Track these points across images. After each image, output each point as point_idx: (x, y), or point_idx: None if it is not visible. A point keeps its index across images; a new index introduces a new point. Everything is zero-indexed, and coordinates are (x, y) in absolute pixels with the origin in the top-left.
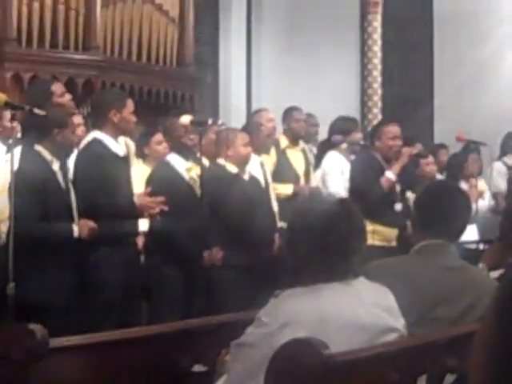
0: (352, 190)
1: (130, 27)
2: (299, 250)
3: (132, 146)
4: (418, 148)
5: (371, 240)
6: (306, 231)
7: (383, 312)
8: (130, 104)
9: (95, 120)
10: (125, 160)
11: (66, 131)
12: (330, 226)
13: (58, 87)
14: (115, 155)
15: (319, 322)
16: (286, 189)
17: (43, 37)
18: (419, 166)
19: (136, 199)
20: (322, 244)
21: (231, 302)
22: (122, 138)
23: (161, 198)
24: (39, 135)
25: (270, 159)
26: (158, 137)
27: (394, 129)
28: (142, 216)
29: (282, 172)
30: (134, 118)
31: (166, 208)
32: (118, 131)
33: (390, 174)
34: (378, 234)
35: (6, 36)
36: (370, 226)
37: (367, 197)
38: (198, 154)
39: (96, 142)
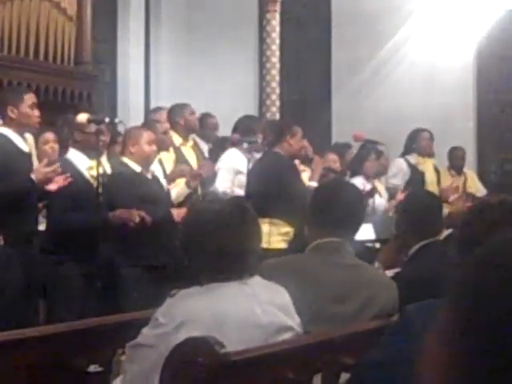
0: (253, 189)
1: (28, 25)
2: (194, 251)
3: (32, 141)
4: (317, 160)
5: (279, 243)
6: (199, 232)
7: (279, 311)
8: (28, 98)
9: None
10: (28, 156)
11: None
12: (224, 226)
13: None
14: (19, 150)
15: (215, 320)
16: (180, 184)
17: None
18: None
19: (33, 175)
20: (217, 245)
21: (136, 301)
22: (29, 135)
23: (56, 166)
24: None
25: (169, 157)
26: (45, 137)
27: (299, 130)
28: (43, 188)
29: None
30: (35, 112)
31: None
32: (19, 126)
33: (313, 184)
34: (284, 236)
35: None
36: (270, 228)
37: (269, 197)
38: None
39: (1, 137)
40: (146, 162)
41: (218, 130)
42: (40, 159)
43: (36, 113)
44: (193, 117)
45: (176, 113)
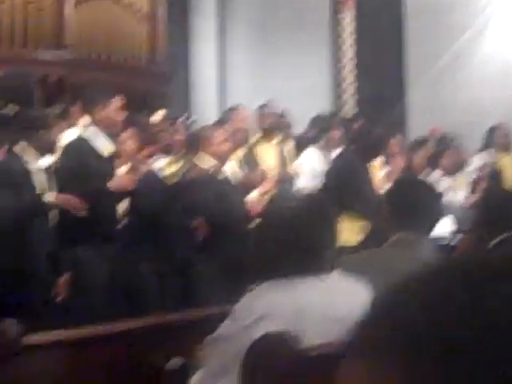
0: (331, 185)
1: (101, 25)
2: (272, 246)
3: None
4: (398, 140)
5: (347, 238)
6: (277, 228)
7: (357, 305)
8: (115, 100)
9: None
10: (108, 159)
11: (46, 132)
12: (301, 222)
13: (117, 101)
14: (97, 154)
15: (294, 314)
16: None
17: (14, 36)
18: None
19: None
20: (294, 239)
21: (213, 296)
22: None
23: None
24: (19, 135)
25: (236, 155)
26: (123, 136)
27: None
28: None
29: (248, 168)
30: (121, 114)
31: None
32: (104, 128)
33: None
34: (354, 230)
35: None
36: (353, 223)
37: (345, 193)
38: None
39: (80, 140)
40: (221, 160)
41: (290, 128)
42: (120, 158)
43: (122, 115)
44: (275, 117)
45: (259, 112)
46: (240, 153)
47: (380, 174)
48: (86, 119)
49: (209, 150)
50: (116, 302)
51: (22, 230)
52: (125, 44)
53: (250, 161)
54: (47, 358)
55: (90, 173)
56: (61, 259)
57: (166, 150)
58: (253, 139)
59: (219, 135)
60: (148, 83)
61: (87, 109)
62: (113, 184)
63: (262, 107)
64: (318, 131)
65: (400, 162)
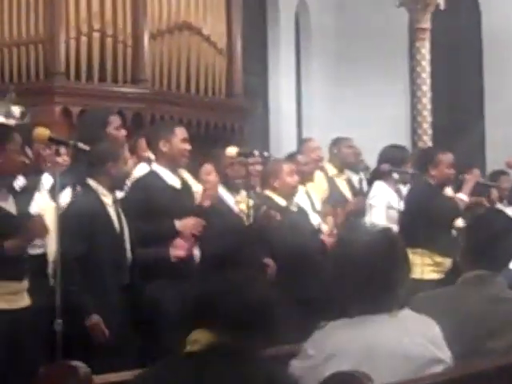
0: (408, 220)
1: (178, 59)
2: (343, 282)
3: (188, 176)
4: (475, 173)
5: (430, 274)
6: (349, 263)
7: (429, 343)
8: (179, 132)
9: (152, 152)
10: (182, 191)
11: (119, 164)
12: (373, 257)
13: (115, 119)
14: (169, 187)
15: (365, 353)
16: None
17: (91, 70)
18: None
19: (177, 224)
20: (366, 276)
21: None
22: (183, 171)
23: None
24: (92, 169)
25: (320, 187)
26: (207, 167)
27: (450, 157)
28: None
29: (336, 199)
30: (186, 146)
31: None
32: (171, 161)
33: (463, 196)
34: (436, 266)
35: (55, 70)
36: (427, 259)
37: (423, 227)
38: (247, 187)
39: (151, 174)
40: (290, 194)
41: (363, 160)
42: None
43: (187, 147)
44: (350, 151)
45: (335, 144)
46: (324, 184)
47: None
48: (152, 153)
49: (277, 184)
50: None
51: (98, 263)
52: (202, 77)
53: (335, 192)
54: None
55: (163, 206)
56: (136, 295)
57: (237, 186)
58: (330, 171)
59: (287, 169)
60: (225, 117)
61: (153, 143)
62: (179, 225)
63: (337, 140)
64: (391, 164)
65: (473, 178)
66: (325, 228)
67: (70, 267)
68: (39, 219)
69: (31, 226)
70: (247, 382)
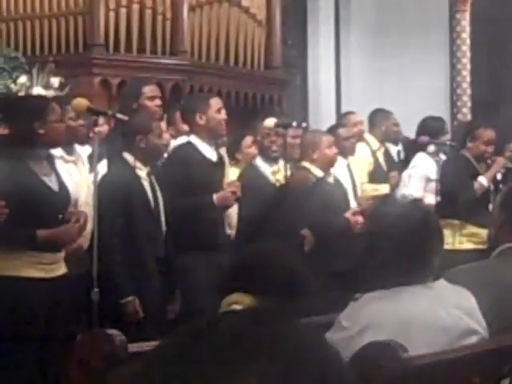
0: (443, 191)
1: (217, 31)
2: (377, 254)
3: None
4: (499, 161)
5: (464, 244)
6: (383, 236)
7: (464, 314)
8: (214, 103)
9: (187, 125)
10: (217, 165)
11: (149, 137)
12: (407, 229)
13: (149, 89)
14: (206, 160)
15: (400, 324)
16: (385, 188)
17: (130, 42)
18: None
19: (215, 196)
20: (401, 248)
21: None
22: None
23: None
24: (126, 142)
25: (365, 160)
26: (248, 140)
27: (489, 134)
28: (226, 208)
29: (379, 172)
30: (222, 116)
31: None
32: (208, 133)
33: (483, 180)
34: (471, 236)
35: (94, 42)
36: (462, 229)
37: (459, 198)
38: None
39: (187, 145)
40: (328, 166)
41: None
42: (242, 165)
43: (224, 116)
44: (390, 122)
45: (378, 118)
46: (369, 158)
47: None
48: (188, 126)
49: (316, 155)
50: None
51: (134, 236)
52: (241, 49)
53: (378, 165)
54: None
55: (198, 178)
56: (170, 266)
57: (274, 156)
58: (373, 144)
59: (327, 141)
60: (264, 88)
61: (188, 116)
62: (216, 199)
63: (377, 112)
64: (429, 136)
65: (500, 162)
66: (353, 205)
67: (109, 243)
68: (74, 227)
69: (66, 233)
70: (289, 346)
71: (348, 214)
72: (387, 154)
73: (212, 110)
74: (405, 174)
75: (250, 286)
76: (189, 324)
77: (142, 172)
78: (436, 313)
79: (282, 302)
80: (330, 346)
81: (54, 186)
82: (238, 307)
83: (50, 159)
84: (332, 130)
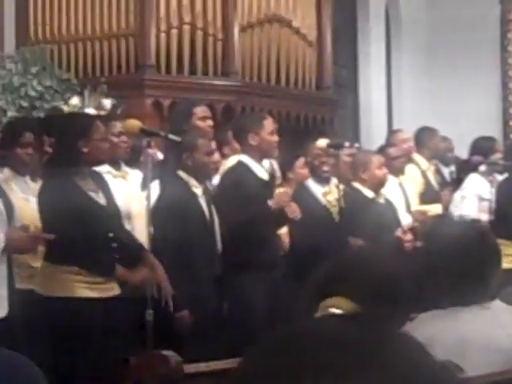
0: (498, 211)
1: (268, 51)
2: (434, 274)
3: (276, 168)
4: None
5: None
6: (440, 256)
7: None
8: (267, 124)
9: (239, 144)
10: (268, 184)
11: (196, 155)
12: (464, 250)
13: (201, 110)
14: (259, 179)
15: (456, 344)
16: (437, 208)
17: (182, 63)
18: None
19: (270, 202)
20: (458, 268)
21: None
22: (266, 161)
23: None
24: (177, 161)
25: (415, 180)
26: (301, 161)
27: None
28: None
29: (430, 192)
30: (274, 138)
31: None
32: (259, 153)
33: None
34: None
35: (145, 63)
36: None
37: None
38: (335, 178)
39: (240, 165)
40: (378, 186)
41: (453, 152)
42: (292, 185)
43: (276, 139)
44: (442, 142)
45: (425, 136)
46: (419, 178)
47: None
48: (239, 145)
49: (366, 176)
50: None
51: (190, 253)
52: (292, 69)
53: (429, 185)
54: None
55: (251, 197)
56: (225, 285)
57: (326, 177)
58: (423, 164)
59: (377, 161)
60: (315, 109)
61: (241, 135)
62: (272, 202)
63: (429, 133)
64: (482, 156)
65: None
66: (406, 224)
67: (163, 259)
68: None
69: (140, 276)
70: (396, 357)
71: (399, 233)
72: (437, 172)
73: (265, 132)
74: (457, 194)
75: (348, 291)
76: (290, 326)
77: (198, 190)
78: (493, 333)
79: (381, 309)
80: (436, 359)
81: (102, 200)
82: (336, 311)
83: (96, 176)
84: (382, 150)
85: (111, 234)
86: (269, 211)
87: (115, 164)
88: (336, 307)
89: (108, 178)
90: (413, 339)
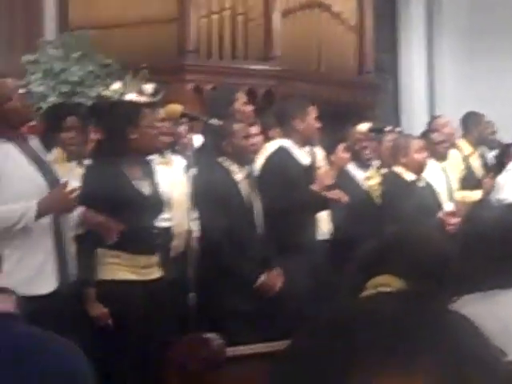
0: None
1: (309, 36)
2: (473, 258)
3: (319, 154)
4: None
5: None
6: (479, 240)
7: None
8: (312, 111)
9: (281, 129)
10: (309, 169)
11: (234, 140)
12: (503, 231)
13: (242, 96)
14: (300, 164)
15: (498, 327)
16: (476, 195)
17: (223, 48)
18: None
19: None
20: (498, 251)
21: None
22: (318, 149)
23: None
24: (220, 146)
25: (457, 166)
26: (343, 146)
27: None
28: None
29: (470, 178)
30: (317, 125)
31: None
32: (302, 139)
33: None
34: None
35: (186, 48)
36: None
37: None
38: (376, 162)
39: (282, 150)
40: (418, 170)
41: (495, 136)
42: (334, 169)
43: (318, 125)
44: (486, 126)
45: (471, 122)
46: (460, 164)
47: None
48: (282, 129)
49: (405, 160)
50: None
51: (232, 238)
52: (333, 54)
53: (470, 171)
54: (250, 369)
55: (293, 182)
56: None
57: (366, 162)
58: (466, 149)
59: (416, 145)
60: (356, 94)
61: (285, 120)
62: (315, 185)
63: (469, 116)
64: None
65: None
66: (449, 207)
67: (217, 241)
68: None
69: None
70: (456, 338)
71: (442, 215)
72: (481, 159)
73: (310, 118)
74: (499, 178)
75: (398, 269)
76: (339, 306)
77: (239, 175)
78: None
79: (431, 288)
80: (490, 339)
81: (146, 190)
82: (386, 290)
83: (144, 163)
84: (425, 135)
85: (151, 224)
86: (310, 196)
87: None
88: (385, 286)
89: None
90: (468, 319)
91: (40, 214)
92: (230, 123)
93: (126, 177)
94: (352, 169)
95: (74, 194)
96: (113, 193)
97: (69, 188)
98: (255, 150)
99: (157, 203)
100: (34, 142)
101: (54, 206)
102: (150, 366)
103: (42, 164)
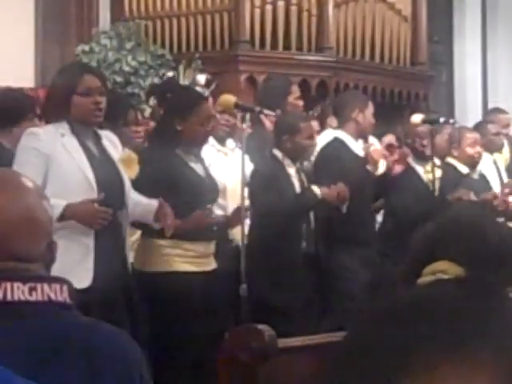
0: None
1: (363, 27)
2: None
3: (377, 145)
4: None
5: None
6: None
7: None
8: (371, 105)
9: (338, 120)
10: (364, 160)
11: (297, 138)
12: None
13: (296, 89)
14: (356, 155)
15: None
16: None
17: (276, 38)
18: None
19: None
20: None
21: None
22: (373, 138)
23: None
24: (275, 139)
25: (502, 156)
26: (389, 138)
27: None
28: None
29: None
30: (373, 120)
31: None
32: (359, 132)
33: None
34: None
35: (240, 38)
36: None
37: None
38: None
39: (337, 141)
40: (470, 163)
41: None
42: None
43: (373, 120)
44: None
45: None
46: (506, 154)
47: None
48: (338, 120)
49: (457, 153)
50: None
51: (285, 230)
52: (386, 45)
53: None
54: (302, 361)
55: (349, 172)
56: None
57: (422, 155)
58: None
59: (469, 138)
60: (410, 84)
61: (343, 110)
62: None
63: None
64: None
65: None
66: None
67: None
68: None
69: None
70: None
71: (489, 196)
72: None
73: (369, 111)
74: None
75: (456, 256)
76: (397, 295)
77: (291, 169)
78: None
79: (489, 275)
80: None
81: (201, 172)
82: (444, 277)
83: (196, 150)
84: (479, 126)
85: (208, 206)
86: (367, 187)
87: (221, 139)
88: (443, 272)
89: (210, 151)
90: None
91: (63, 218)
92: (295, 120)
93: (182, 158)
94: (412, 163)
95: (104, 216)
96: (171, 172)
97: (102, 209)
98: (314, 150)
99: (212, 186)
100: (109, 136)
101: (78, 217)
102: (206, 358)
103: (102, 156)
